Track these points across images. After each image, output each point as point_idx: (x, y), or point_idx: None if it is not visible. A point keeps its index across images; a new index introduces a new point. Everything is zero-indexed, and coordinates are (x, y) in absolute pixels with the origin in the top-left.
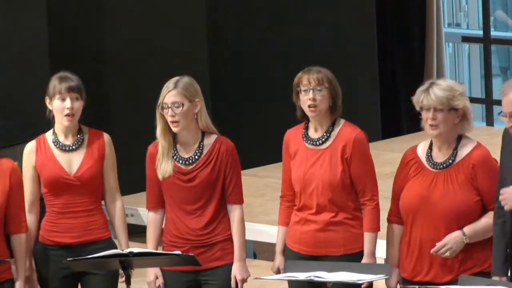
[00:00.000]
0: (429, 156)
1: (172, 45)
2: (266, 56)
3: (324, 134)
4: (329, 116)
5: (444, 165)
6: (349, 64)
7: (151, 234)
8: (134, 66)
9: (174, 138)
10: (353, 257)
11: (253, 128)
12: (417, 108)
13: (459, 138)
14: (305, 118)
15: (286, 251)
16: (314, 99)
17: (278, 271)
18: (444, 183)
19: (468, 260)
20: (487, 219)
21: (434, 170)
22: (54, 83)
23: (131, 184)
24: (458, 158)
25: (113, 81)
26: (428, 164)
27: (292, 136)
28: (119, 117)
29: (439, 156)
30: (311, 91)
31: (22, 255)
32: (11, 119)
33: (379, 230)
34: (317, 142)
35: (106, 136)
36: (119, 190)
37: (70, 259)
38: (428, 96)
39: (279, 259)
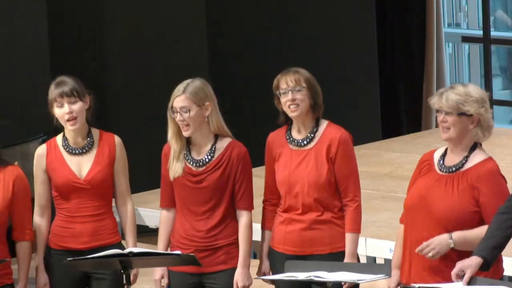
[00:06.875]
0: (441, 159)
1: (172, 45)
2: (266, 56)
3: (309, 134)
4: (311, 116)
5: (451, 170)
6: (349, 64)
7: (163, 232)
8: (134, 66)
9: (187, 139)
10: (339, 256)
11: (253, 128)
12: (435, 110)
13: (474, 147)
14: (288, 122)
15: (271, 253)
16: (293, 99)
17: (264, 275)
18: (446, 187)
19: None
20: (481, 231)
21: (440, 172)
22: (51, 91)
23: (131, 184)
24: (466, 166)
25: (113, 81)
26: (437, 166)
27: (275, 138)
28: (119, 117)
29: (450, 161)
30: (290, 92)
31: (25, 262)
32: (11, 119)
33: (359, 232)
34: (302, 143)
35: (117, 139)
36: (130, 193)
37: (70, 259)
38: (440, 99)
39: (265, 263)
